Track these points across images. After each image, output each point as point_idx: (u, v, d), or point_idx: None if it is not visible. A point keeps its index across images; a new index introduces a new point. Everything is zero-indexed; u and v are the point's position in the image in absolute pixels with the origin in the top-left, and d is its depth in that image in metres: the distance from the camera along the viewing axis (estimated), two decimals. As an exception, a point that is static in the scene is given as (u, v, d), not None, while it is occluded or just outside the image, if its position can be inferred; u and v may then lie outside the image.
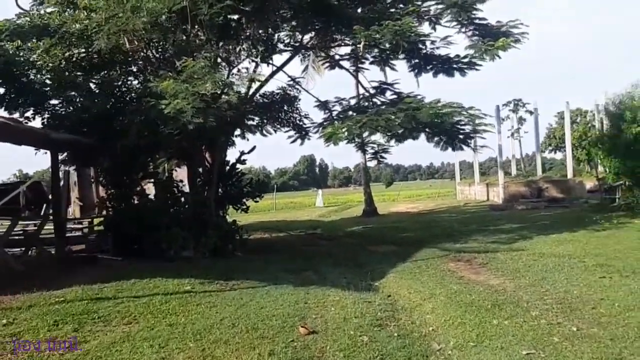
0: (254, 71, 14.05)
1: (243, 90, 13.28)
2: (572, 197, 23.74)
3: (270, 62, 14.53)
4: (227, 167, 13.13)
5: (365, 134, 11.71)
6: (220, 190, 13.21)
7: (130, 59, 12.16)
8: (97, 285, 7.79)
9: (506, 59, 11.96)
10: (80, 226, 15.15)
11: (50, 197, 14.73)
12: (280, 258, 11.25)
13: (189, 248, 10.53)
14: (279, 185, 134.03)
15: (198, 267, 9.72)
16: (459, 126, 12.32)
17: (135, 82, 13.01)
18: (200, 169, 12.84)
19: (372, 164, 24.82)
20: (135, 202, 11.42)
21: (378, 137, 13.66)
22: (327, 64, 17.78)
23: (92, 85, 11.50)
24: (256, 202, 13.72)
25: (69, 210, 18.29)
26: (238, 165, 13.42)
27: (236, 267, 9.81)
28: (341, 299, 7.07)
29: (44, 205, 15.88)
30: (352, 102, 14.62)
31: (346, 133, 10.41)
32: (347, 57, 17.23)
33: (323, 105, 16.97)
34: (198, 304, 6.86)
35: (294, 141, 17.23)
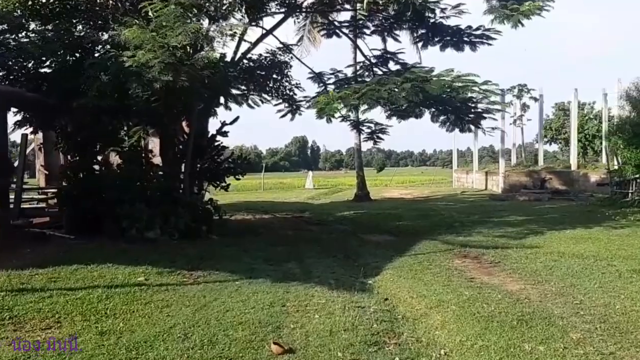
0: (243, 34, 12.47)
1: (228, 53, 11.74)
2: (576, 190, 22.57)
3: (260, 24, 12.96)
4: (207, 139, 11.62)
5: (364, 107, 10.24)
6: (198, 164, 11.74)
7: (97, 8, 10.53)
8: (29, 270, 6.36)
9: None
10: (42, 197, 13.63)
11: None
12: (260, 244, 9.85)
13: (154, 228, 9.09)
14: (270, 165, 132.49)
15: (162, 251, 8.31)
16: (470, 103, 10.89)
17: (105, 36, 11.39)
18: (176, 140, 11.33)
19: (366, 146, 23.36)
20: (98, 173, 9.90)
21: (377, 114, 12.24)
22: (324, 31, 16.22)
23: (50, 35, 9.87)
24: (238, 179, 12.26)
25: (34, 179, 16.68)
26: (219, 138, 11.91)
27: (207, 253, 8.41)
28: (327, 302, 5.71)
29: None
30: (350, 73, 13.08)
31: (342, 104, 8.93)
32: (346, 24, 15.70)
33: (317, 77, 15.44)
34: (147, 302, 5.45)
35: (283, 115, 15.77)
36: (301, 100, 15.97)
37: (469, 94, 10.40)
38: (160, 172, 10.16)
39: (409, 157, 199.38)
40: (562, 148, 46.56)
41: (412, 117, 12.47)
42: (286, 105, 14.99)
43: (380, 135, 16.86)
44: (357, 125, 17.99)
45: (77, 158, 9.94)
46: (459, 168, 31.78)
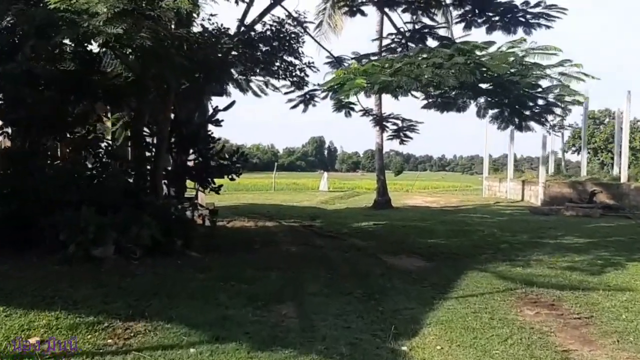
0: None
1: (227, 20, 9.30)
2: (626, 205, 19.69)
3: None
4: (194, 129, 9.16)
5: (390, 93, 7.63)
6: (181, 159, 9.31)
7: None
8: None
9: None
10: None
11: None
12: (250, 268, 7.35)
13: (105, 243, 6.66)
14: (286, 164, 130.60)
15: (103, 280, 5.86)
16: (536, 91, 8.23)
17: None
18: (152, 129, 8.93)
19: (388, 147, 20.77)
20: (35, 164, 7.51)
21: (403, 106, 9.65)
22: (346, 7, 13.73)
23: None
24: (232, 179, 9.79)
25: None
26: (210, 128, 9.47)
27: (168, 284, 5.93)
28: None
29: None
30: (376, 49, 10.49)
31: (367, 82, 6.35)
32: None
33: (337, 62, 12.94)
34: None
35: (295, 106, 13.29)
36: (316, 89, 13.51)
37: (534, 78, 7.76)
38: (117, 167, 7.69)
39: (427, 161, 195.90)
40: (591, 158, 43.49)
41: (454, 109, 9.86)
42: (298, 94, 12.54)
43: (407, 133, 14.29)
44: (380, 121, 15.43)
45: (17, 144, 7.58)
46: (491, 175, 28.93)
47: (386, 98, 16.32)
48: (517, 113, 9.01)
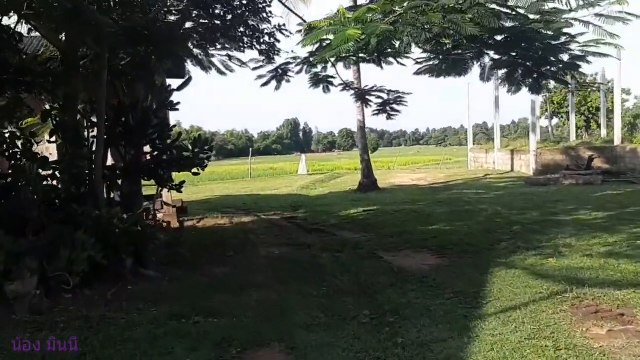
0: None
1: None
2: (623, 169, 18.67)
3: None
4: (142, 114, 7.38)
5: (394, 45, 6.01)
6: (133, 153, 7.55)
7: None
8: None
9: None
10: None
11: None
12: (221, 287, 5.74)
13: (22, 275, 4.93)
14: (262, 149, 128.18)
15: None
16: (561, 43, 6.69)
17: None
18: (86, 118, 7.14)
19: (372, 124, 19.17)
20: None
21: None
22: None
23: None
24: (195, 174, 8.06)
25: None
26: (172, 116, 7.71)
27: (99, 341, 4.23)
28: None
29: None
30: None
31: (360, 32, 4.70)
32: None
33: (310, 30, 11.21)
34: None
35: (266, 84, 11.60)
36: (289, 62, 11.78)
37: (561, 24, 6.22)
38: (35, 168, 5.90)
39: (402, 136, 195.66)
40: (565, 123, 42.66)
41: (454, 72, 8.29)
42: (269, 69, 10.79)
43: (394, 106, 12.73)
44: (363, 96, 13.80)
45: None
46: (476, 146, 27.64)
47: (366, 70, 14.55)
48: (529, 70, 7.50)
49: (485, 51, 7.36)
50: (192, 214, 13.06)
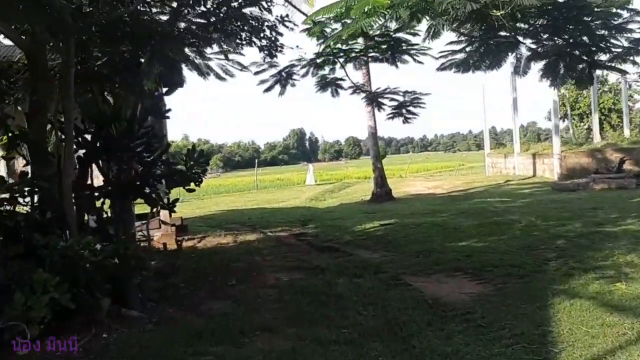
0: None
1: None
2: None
3: None
4: (127, 124, 6.31)
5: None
6: (118, 169, 6.47)
7: None
8: None
9: None
10: None
11: None
12: (218, 333, 4.63)
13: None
14: (269, 159, 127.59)
15: None
16: (617, 23, 5.57)
17: None
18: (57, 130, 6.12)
19: (379, 131, 18.12)
20: None
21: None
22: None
23: None
24: (190, 190, 6.98)
25: None
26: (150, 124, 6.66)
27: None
28: None
29: None
30: None
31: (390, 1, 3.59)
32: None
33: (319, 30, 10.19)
34: None
35: (269, 89, 10.70)
36: (293, 65, 10.77)
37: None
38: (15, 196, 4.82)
39: (409, 143, 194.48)
40: (577, 124, 41.23)
41: (484, 64, 7.17)
42: (271, 72, 9.76)
43: (411, 109, 11.68)
44: (375, 98, 12.77)
45: None
46: (494, 151, 26.40)
47: (374, 75, 13.51)
48: (582, 60, 6.36)
49: (523, 40, 6.25)
50: (194, 231, 12.02)
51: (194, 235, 11.42)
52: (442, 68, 7.79)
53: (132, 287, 5.38)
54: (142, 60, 7.41)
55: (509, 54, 6.93)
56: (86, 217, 5.91)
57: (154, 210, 8.36)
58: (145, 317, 5.15)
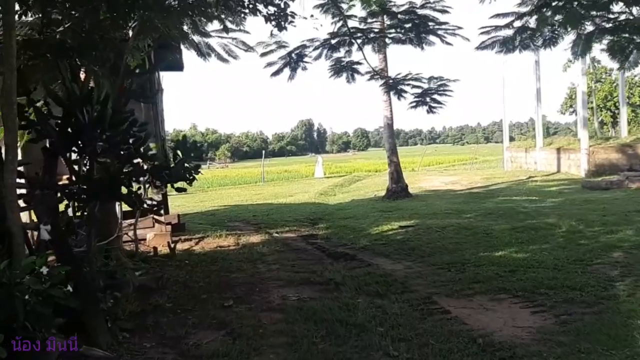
0: None
1: None
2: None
3: None
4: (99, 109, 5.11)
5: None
6: (91, 163, 5.29)
7: None
8: None
9: None
10: None
11: None
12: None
13: None
14: (277, 150, 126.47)
15: None
16: None
17: None
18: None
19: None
20: None
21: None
22: None
23: None
24: (180, 190, 5.81)
25: None
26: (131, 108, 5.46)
27: None
28: None
29: None
30: None
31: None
32: None
33: (333, 2, 8.96)
34: None
35: (277, 72, 9.52)
36: (305, 46, 9.55)
37: None
38: None
39: (417, 135, 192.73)
40: (590, 118, 39.54)
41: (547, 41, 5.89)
42: (280, 54, 8.54)
43: (436, 97, 10.41)
44: (395, 85, 11.49)
45: None
46: (514, 144, 25.02)
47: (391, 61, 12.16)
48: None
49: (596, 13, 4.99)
50: (193, 230, 10.91)
51: (192, 235, 10.32)
52: (481, 47, 6.59)
53: (98, 315, 4.23)
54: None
55: (569, 29, 5.69)
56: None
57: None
58: (112, 357, 4.00)
